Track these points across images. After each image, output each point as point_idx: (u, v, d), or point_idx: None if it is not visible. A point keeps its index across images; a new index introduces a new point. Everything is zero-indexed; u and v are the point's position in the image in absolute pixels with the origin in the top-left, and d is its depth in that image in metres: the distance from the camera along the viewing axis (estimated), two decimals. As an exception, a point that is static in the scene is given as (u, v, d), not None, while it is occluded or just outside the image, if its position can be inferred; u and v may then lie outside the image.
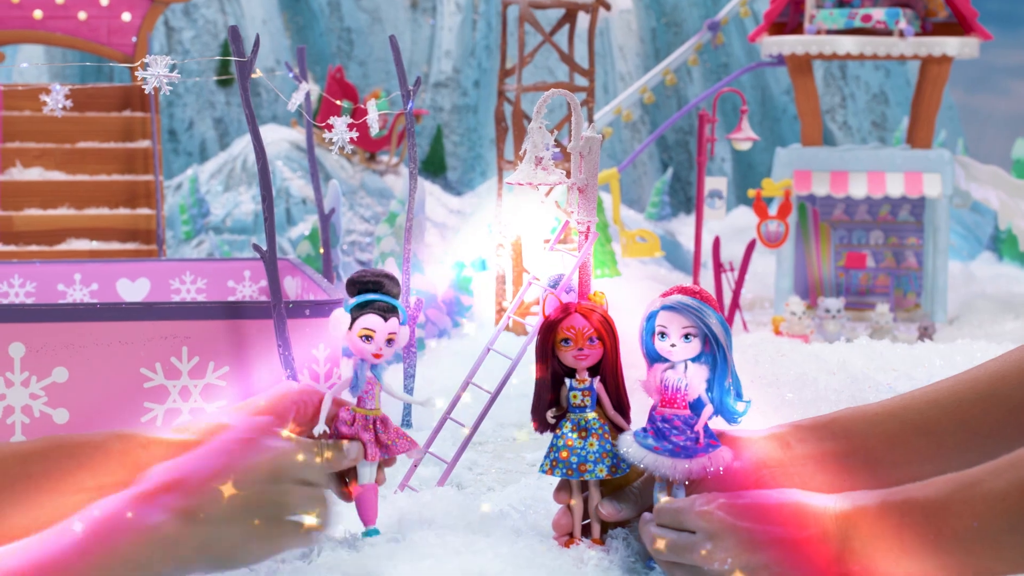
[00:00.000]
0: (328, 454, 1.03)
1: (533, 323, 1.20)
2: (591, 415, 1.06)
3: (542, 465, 1.06)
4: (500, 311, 2.19)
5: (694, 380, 1.01)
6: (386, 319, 1.05)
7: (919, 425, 0.97)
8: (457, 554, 1.00)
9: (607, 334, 1.05)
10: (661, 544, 0.96)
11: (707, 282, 2.53)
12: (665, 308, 1.01)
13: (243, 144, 3.11)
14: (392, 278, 1.07)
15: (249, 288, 1.95)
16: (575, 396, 1.06)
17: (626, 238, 2.51)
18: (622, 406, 1.08)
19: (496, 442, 1.54)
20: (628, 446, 1.03)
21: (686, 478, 1.00)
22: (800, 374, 1.76)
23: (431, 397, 1.13)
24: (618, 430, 1.07)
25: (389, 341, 1.05)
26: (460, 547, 1.02)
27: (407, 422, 1.60)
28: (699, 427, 1.00)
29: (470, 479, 1.39)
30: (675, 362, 1.01)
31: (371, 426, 1.07)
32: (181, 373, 1.35)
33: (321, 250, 1.96)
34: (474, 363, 1.23)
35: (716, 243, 2.32)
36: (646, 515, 1.01)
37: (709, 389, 1.01)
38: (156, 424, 1.36)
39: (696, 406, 1.02)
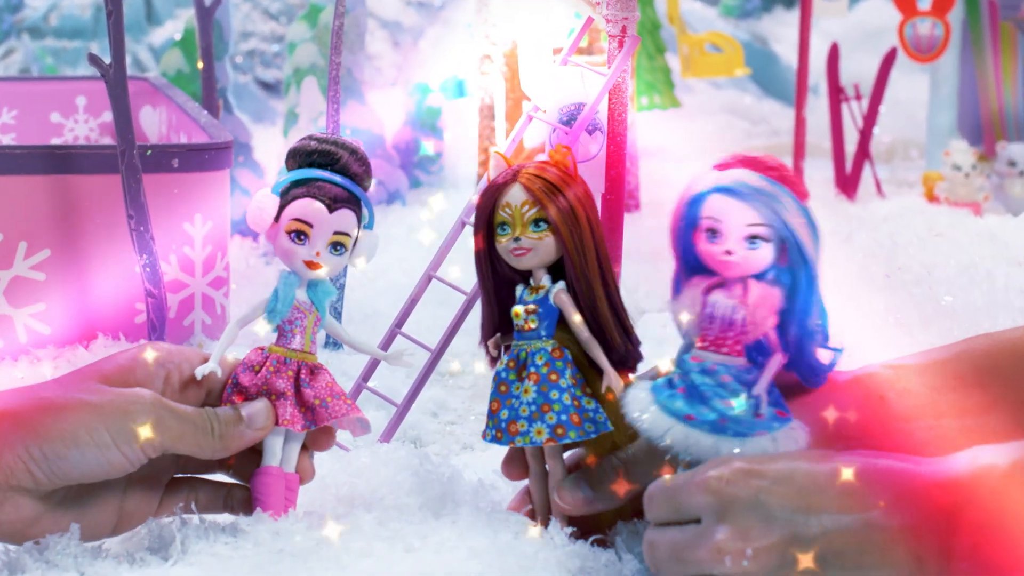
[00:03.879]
0: (219, 426, 1.03)
1: None
2: (540, 344, 1.04)
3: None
4: (485, 162, 2.15)
5: (759, 310, 0.97)
6: (333, 208, 1.03)
7: None
8: (410, 551, 1.01)
9: (565, 216, 1.03)
10: (658, 551, 0.94)
11: (819, 115, 2.49)
12: (720, 191, 0.97)
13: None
14: (357, 152, 1.06)
15: (84, 125, 1.93)
16: (516, 314, 1.06)
17: (689, 46, 2.46)
18: (606, 333, 1.04)
19: (475, 375, 1.53)
20: (642, 408, 0.99)
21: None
22: (966, 264, 1.75)
23: (401, 351, 1.10)
24: (598, 371, 1.05)
25: (336, 246, 1.02)
26: (415, 540, 1.03)
27: (334, 341, 1.57)
28: (761, 388, 0.97)
29: (433, 431, 1.39)
30: (730, 279, 0.98)
31: (291, 373, 1.05)
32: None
33: (200, 64, 1.93)
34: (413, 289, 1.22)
35: (833, 54, 2.28)
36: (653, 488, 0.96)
37: (783, 327, 0.98)
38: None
39: (758, 352, 0.99)
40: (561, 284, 1.05)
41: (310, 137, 1.06)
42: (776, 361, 0.98)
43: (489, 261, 1.07)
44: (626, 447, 1.05)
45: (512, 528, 1.05)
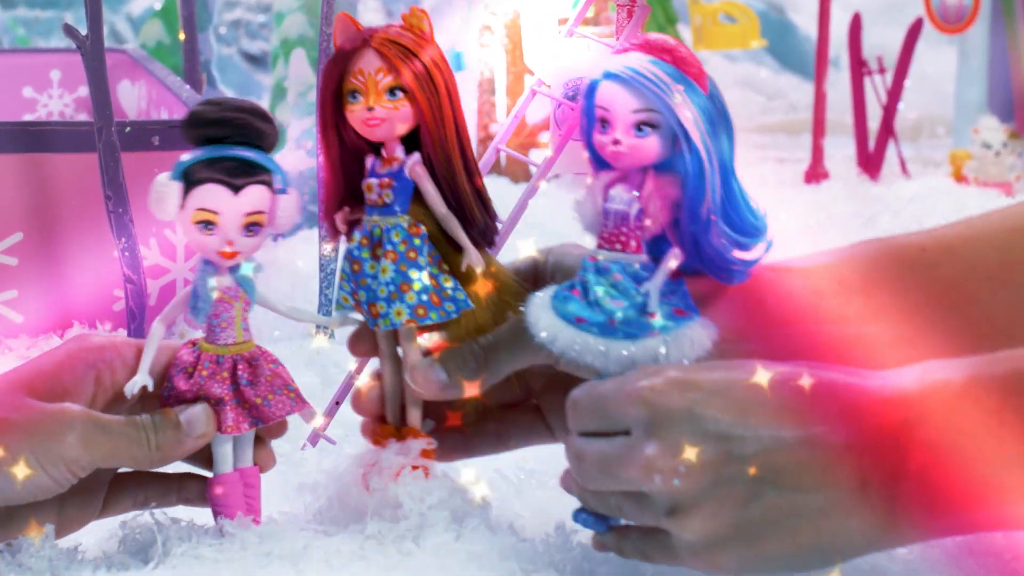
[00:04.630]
0: (154, 436, 1.01)
1: (539, 160, 1.16)
2: (395, 220, 1.03)
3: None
4: (485, 140, 2.14)
5: (652, 202, 0.97)
6: (238, 189, 1.00)
7: None
8: (405, 555, 1.01)
9: (422, 83, 1.02)
10: (585, 463, 0.94)
11: (840, 90, 2.48)
12: (608, 77, 0.98)
13: None
14: (260, 112, 1.02)
15: (59, 100, 1.92)
16: (368, 188, 1.04)
17: (702, 16, 2.45)
18: (465, 208, 1.04)
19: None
20: (537, 311, 0.98)
21: (625, 372, 0.95)
22: None
23: (346, 315, 1.07)
24: (457, 248, 1.04)
25: (250, 228, 1.01)
26: (410, 542, 1.02)
27: (325, 330, 1.56)
28: (650, 285, 0.97)
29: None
30: (629, 171, 0.98)
31: (226, 373, 1.03)
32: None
33: (182, 36, 1.92)
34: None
35: (855, 24, 2.27)
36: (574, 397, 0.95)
37: (678, 219, 0.97)
38: None
39: (658, 249, 0.98)
40: (416, 156, 1.03)
41: (206, 103, 1.02)
42: (672, 256, 0.97)
43: (336, 131, 1.05)
44: (490, 332, 1.04)
45: (513, 530, 1.05)
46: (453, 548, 1.01)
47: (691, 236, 0.97)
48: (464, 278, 1.05)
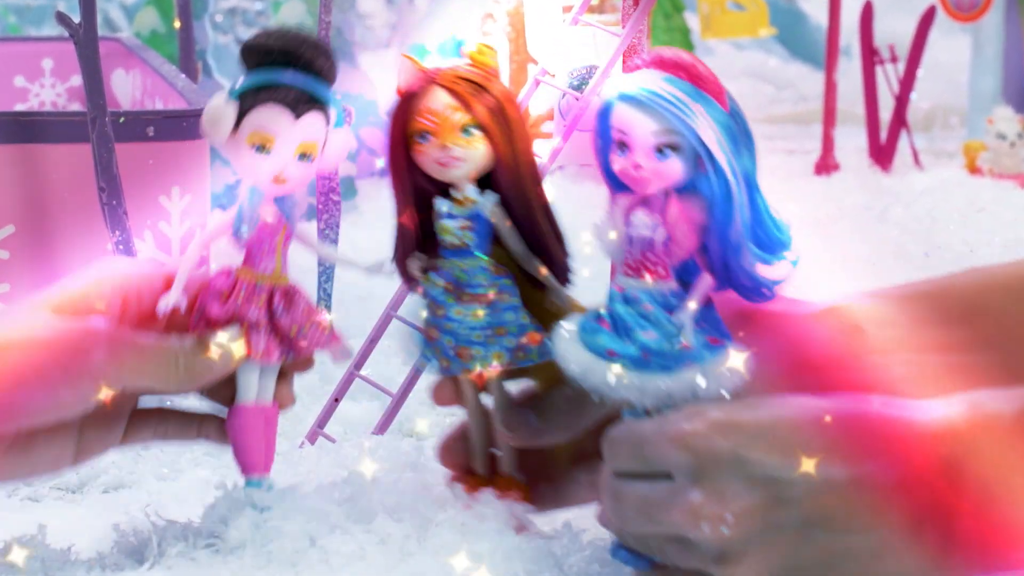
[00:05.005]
0: (183, 358, 1.01)
1: (545, 152, 1.16)
2: (477, 262, 1.03)
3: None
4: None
5: (678, 227, 0.96)
6: (299, 114, 1.00)
7: None
8: (406, 555, 1.01)
9: (496, 120, 1.01)
10: (624, 505, 0.92)
11: (851, 79, 2.47)
12: (623, 99, 0.96)
13: None
14: (319, 46, 1.02)
15: (51, 90, 1.92)
16: (445, 229, 1.03)
17: (710, 4, 2.45)
18: (545, 246, 1.03)
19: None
20: (566, 345, 0.97)
21: (662, 406, 0.95)
22: (1012, 241, 1.76)
23: (384, 260, 1.07)
24: (538, 287, 1.03)
25: (304, 156, 1.01)
26: (412, 542, 1.02)
27: (322, 302, 1.56)
28: (683, 315, 0.95)
29: (432, 424, 1.38)
30: (650, 195, 0.96)
31: (263, 301, 1.03)
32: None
33: (177, 23, 1.92)
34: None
35: (867, 12, 2.26)
36: (611, 438, 0.94)
37: (706, 243, 0.96)
38: None
39: (688, 274, 0.97)
40: (495, 196, 1.03)
41: (266, 33, 1.03)
42: (704, 283, 0.96)
43: (407, 174, 1.04)
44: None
45: (514, 529, 1.04)
46: (456, 549, 1.00)
47: (721, 260, 0.96)
48: (547, 317, 1.04)
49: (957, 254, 1.74)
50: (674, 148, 0.95)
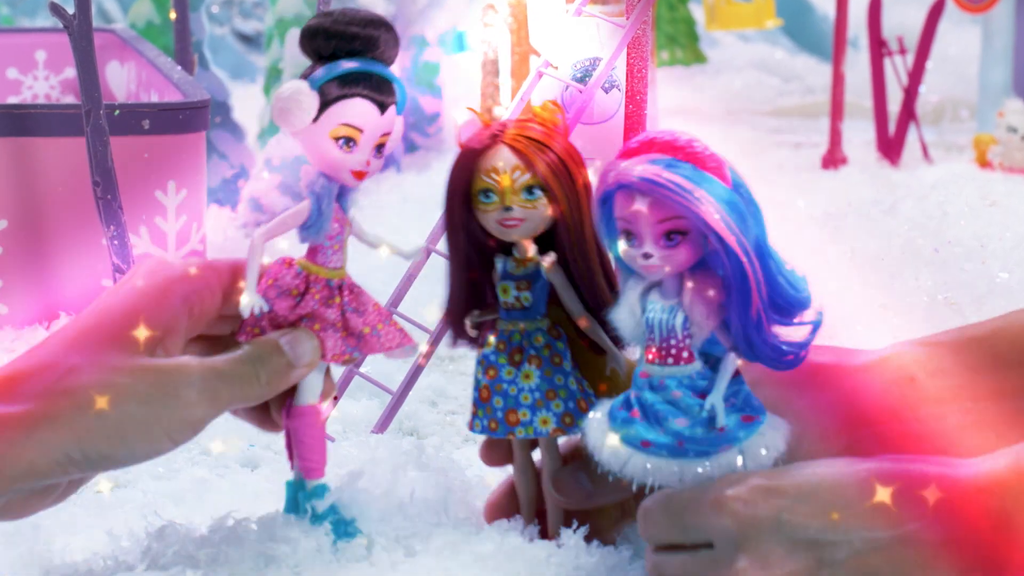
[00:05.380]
0: (263, 370, 0.98)
1: None
2: (535, 324, 1.04)
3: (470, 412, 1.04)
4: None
5: (697, 310, 0.95)
6: (384, 108, 1.00)
7: None
8: (409, 555, 1.01)
9: (558, 179, 1.01)
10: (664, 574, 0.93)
11: (859, 71, 2.47)
12: (623, 189, 0.95)
13: None
14: (391, 29, 1.02)
15: (44, 82, 1.92)
16: (504, 290, 1.04)
17: (714, -5, 2.44)
18: (604, 308, 1.01)
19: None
20: (599, 437, 0.97)
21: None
22: (1023, 237, 1.74)
23: (419, 246, 1.07)
24: (596, 351, 1.04)
25: (380, 148, 1.01)
26: (414, 543, 1.02)
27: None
28: (714, 399, 0.95)
29: (432, 422, 1.38)
30: (660, 278, 0.96)
31: (338, 299, 1.02)
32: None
33: (172, 14, 1.92)
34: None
35: (875, 3, 2.26)
36: (647, 505, 0.95)
37: (726, 320, 0.96)
38: None
39: (710, 349, 0.97)
40: (553, 256, 1.03)
41: (331, 17, 1.00)
42: (729, 363, 0.96)
43: (464, 231, 1.04)
44: None
45: (521, 530, 1.05)
46: (459, 549, 1.01)
47: (743, 337, 0.96)
48: (604, 380, 1.04)
49: (968, 249, 1.74)
50: (682, 233, 0.94)
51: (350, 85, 0.99)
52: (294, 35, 2.18)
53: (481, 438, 1.33)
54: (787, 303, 0.97)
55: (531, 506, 1.07)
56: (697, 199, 0.93)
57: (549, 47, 1.28)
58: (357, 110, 0.99)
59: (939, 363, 1.04)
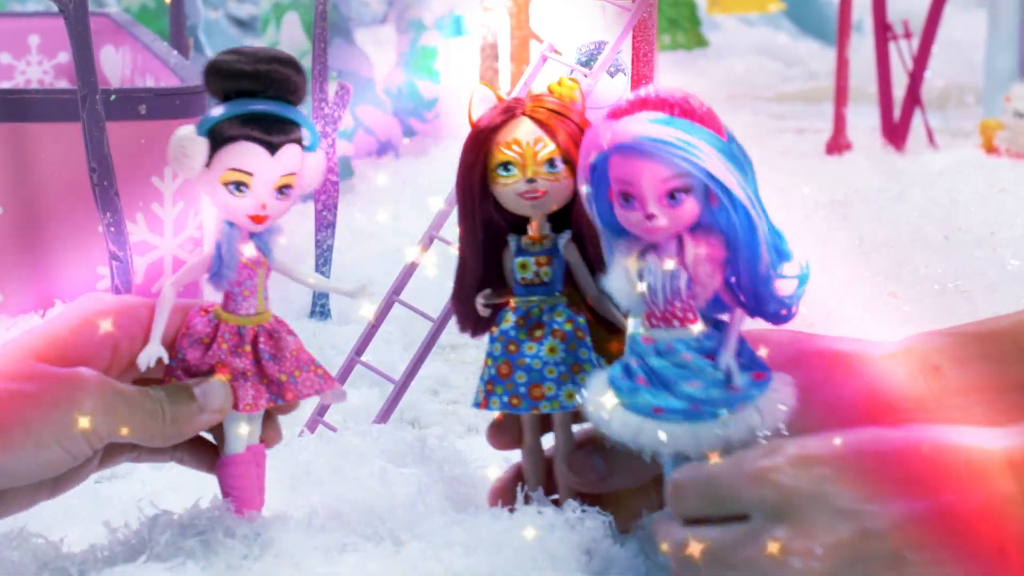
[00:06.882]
0: (169, 409, 0.99)
1: None
2: (555, 299, 1.03)
3: (476, 392, 1.04)
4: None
5: (701, 269, 0.94)
6: (275, 149, 0.97)
7: None
8: (405, 546, 1.00)
9: (578, 152, 0.99)
10: (694, 550, 0.91)
11: (863, 56, 2.47)
12: (621, 150, 0.93)
13: None
14: (293, 63, 0.99)
15: (38, 67, 1.91)
16: (523, 266, 1.03)
17: (716, -20, 2.44)
18: None
19: (480, 350, 1.52)
20: (605, 408, 0.96)
21: (720, 451, 0.94)
22: None
23: (364, 284, 1.05)
24: (610, 329, 1.03)
25: (283, 190, 0.98)
26: (410, 534, 1.02)
27: (321, 311, 1.56)
28: (726, 358, 0.95)
29: (434, 412, 1.38)
30: (659, 239, 0.95)
31: (248, 347, 1.01)
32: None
33: (168, -1, 1.91)
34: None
35: (875, -13, 2.26)
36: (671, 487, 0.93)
37: (733, 277, 0.95)
38: None
39: (713, 308, 0.96)
40: (568, 233, 1.03)
41: (232, 52, 0.98)
42: (737, 320, 0.96)
43: (480, 208, 1.04)
44: None
45: (523, 521, 1.03)
46: (448, 538, 1.01)
47: (752, 292, 0.96)
48: (611, 357, 1.03)
49: (978, 236, 1.74)
50: (686, 190, 0.94)
51: (240, 127, 0.97)
52: (291, 19, 2.18)
53: (484, 428, 1.33)
54: (780, 256, 0.97)
55: (538, 488, 1.06)
56: (705, 155, 0.92)
57: (552, 31, 1.28)
58: (243, 154, 0.96)
59: (964, 353, 1.04)
